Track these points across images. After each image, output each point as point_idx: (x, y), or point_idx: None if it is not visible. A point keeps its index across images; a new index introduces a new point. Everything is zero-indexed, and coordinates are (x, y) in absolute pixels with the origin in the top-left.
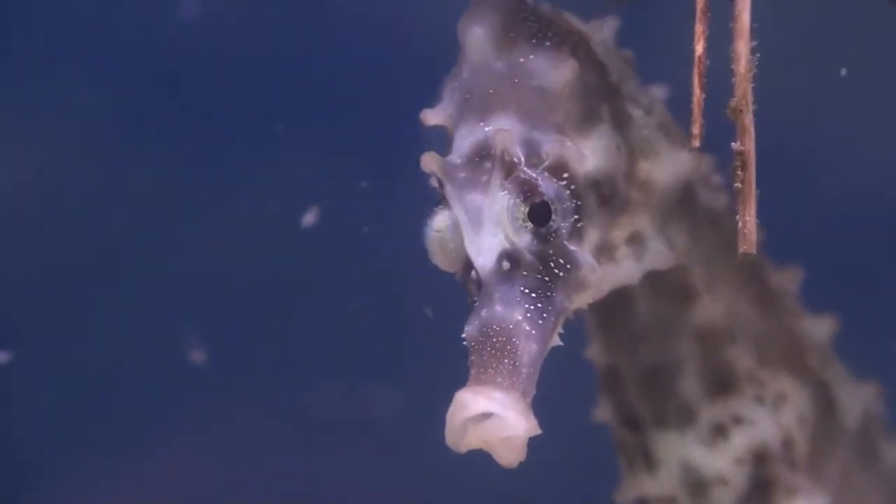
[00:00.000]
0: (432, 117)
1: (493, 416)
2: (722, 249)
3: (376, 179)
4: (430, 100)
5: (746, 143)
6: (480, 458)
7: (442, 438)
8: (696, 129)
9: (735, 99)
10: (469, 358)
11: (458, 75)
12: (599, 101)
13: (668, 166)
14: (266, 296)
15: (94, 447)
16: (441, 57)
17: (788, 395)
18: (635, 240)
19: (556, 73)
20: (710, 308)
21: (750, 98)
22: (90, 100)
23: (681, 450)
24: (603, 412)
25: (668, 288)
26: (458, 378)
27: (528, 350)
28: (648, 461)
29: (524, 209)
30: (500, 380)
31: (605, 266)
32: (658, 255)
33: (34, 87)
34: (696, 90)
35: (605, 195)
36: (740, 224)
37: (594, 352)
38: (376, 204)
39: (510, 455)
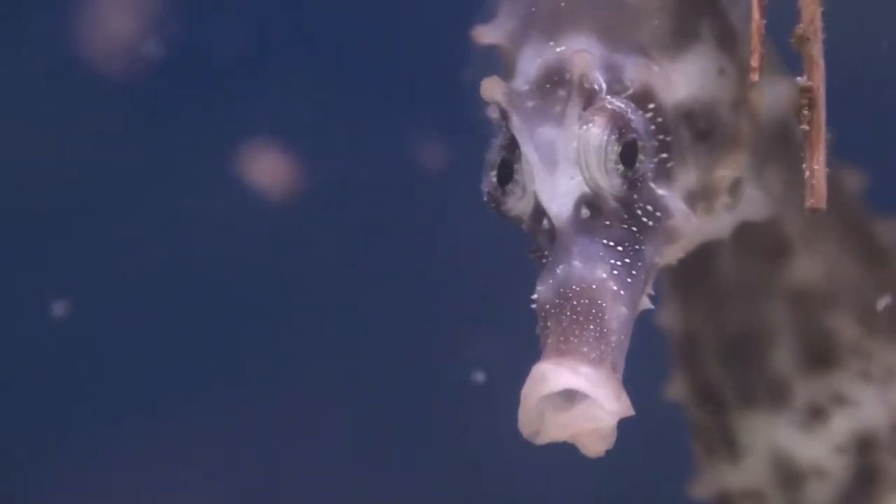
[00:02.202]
0: (487, 35)
1: (580, 396)
2: None
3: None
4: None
5: (815, 78)
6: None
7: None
8: (755, 62)
9: (801, 25)
10: (541, 325)
11: None
12: (699, 14)
13: (767, 97)
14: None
15: (76, 443)
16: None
17: None
18: (734, 185)
19: None
20: (808, 266)
21: (819, 24)
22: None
23: (770, 434)
24: (677, 389)
25: (758, 242)
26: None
27: (617, 314)
28: (731, 448)
29: (618, 149)
30: (585, 350)
31: (700, 215)
32: (754, 203)
33: None
34: (756, 15)
35: (703, 129)
36: (807, 173)
37: (669, 317)
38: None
39: (598, 444)
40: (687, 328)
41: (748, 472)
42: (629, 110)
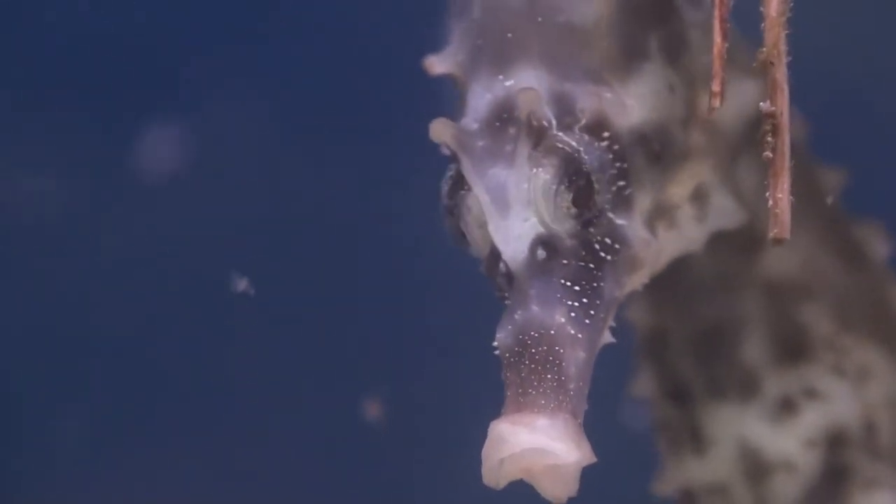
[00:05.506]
0: (439, 65)
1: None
2: (799, 189)
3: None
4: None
5: (779, 103)
6: None
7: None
8: (716, 86)
9: (765, 49)
10: (503, 373)
11: (467, 13)
12: (646, 30)
13: (732, 100)
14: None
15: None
16: None
17: (874, 370)
18: (698, 196)
19: (586, 4)
20: (783, 258)
21: (783, 48)
22: None
23: (738, 426)
24: (643, 385)
25: (732, 234)
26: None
27: (575, 359)
28: (697, 441)
29: (569, 196)
30: (543, 402)
31: (663, 234)
32: (725, 212)
33: None
34: (717, 38)
35: (657, 150)
36: (771, 202)
37: (638, 312)
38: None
39: (560, 489)
40: (657, 322)
41: (714, 466)
42: (581, 148)
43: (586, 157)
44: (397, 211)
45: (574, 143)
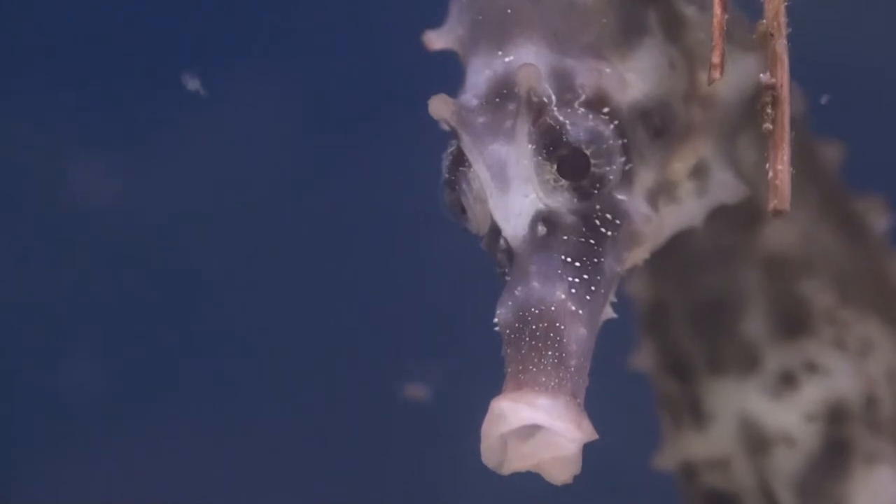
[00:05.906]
0: (438, 40)
1: (540, 428)
2: (798, 162)
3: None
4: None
5: (778, 75)
6: None
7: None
8: (716, 58)
9: (765, 20)
10: (503, 350)
11: None
12: (644, 5)
13: (731, 76)
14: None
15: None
16: None
17: (875, 343)
18: (698, 171)
19: None
20: (783, 232)
21: (783, 18)
22: None
23: (739, 400)
24: (644, 358)
25: (732, 209)
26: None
27: (576, 335)
28: (698, 415)
29: (552, 167)
30: (543, 379)
31: (664, 209)
32: (725, 186)
33: None
34: (717, 10)
35: (658, 126)
36: (770, 174)
37: (638, 285)
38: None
39: (563, 471)
40: (657, 295)
41: (714, 440)
42: (567, 121)
43: (570, 129)
44: (417, 200)
45: (560, 118)
